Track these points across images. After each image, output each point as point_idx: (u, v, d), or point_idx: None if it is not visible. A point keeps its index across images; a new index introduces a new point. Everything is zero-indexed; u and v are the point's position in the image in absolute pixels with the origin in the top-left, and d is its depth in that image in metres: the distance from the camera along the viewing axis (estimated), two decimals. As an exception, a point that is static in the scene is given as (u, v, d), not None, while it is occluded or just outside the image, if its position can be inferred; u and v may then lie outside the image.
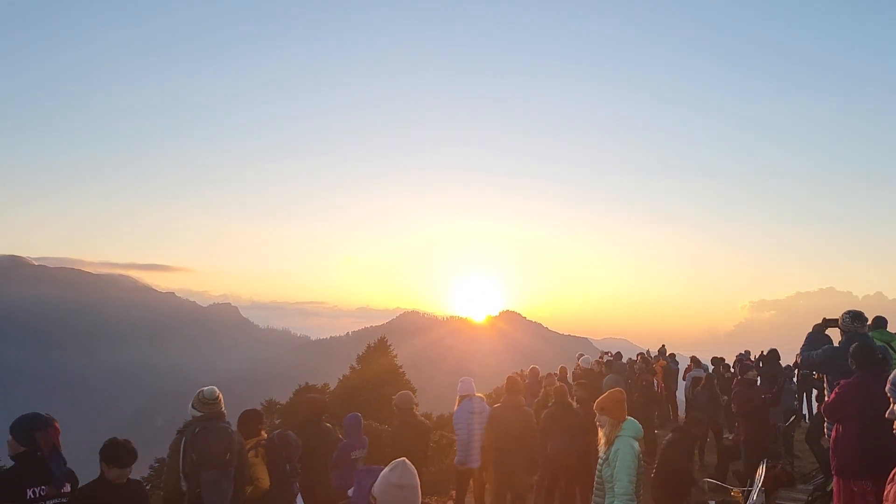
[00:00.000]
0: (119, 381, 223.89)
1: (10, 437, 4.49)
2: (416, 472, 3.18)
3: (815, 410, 15.67)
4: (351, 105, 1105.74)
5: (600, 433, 5.68)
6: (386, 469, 3.17)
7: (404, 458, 3.21)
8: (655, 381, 14.11)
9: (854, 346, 5.88)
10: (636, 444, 5.50)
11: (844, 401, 5.59)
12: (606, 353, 20.18)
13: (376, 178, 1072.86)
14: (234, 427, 6.17)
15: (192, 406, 5.73)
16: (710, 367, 18.01)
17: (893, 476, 2.95)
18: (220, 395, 5.83)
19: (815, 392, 15.54)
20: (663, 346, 20.43)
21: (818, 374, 9.62)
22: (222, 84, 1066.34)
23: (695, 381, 15.77)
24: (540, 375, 14.02)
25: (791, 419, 12.78)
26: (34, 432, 4.45)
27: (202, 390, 5.81)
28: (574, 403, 9.27)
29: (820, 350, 7.05)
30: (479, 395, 9.46)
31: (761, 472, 7.76)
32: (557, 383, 10.78)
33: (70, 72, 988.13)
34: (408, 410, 8.61)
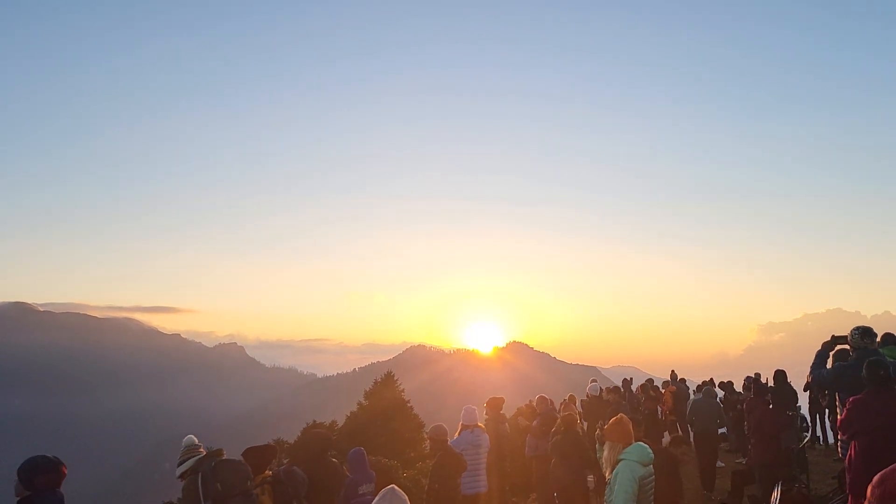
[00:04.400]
0: (126, 425, 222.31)
1: (16, 479, 4.64)
2: (406, 498, 3.20)
3: (828, 431, 15.53)
4: (353, 140, 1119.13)
5: (605, 456, 5.70)
6: (377, 498, 3.19)
7: (393, 486, 3.24)
8: (660, 409, 14.01)
9: (867, 361, 5.88)
10: (639, 468, 5.43)
11: (853, 417, 5.60)
12: (610, 389, 20.15)
13: (378, 212, 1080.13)
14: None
15: (181, 461, 5.88)
16: (721, 393, 17.90)
17: (880, 479, 2.98)
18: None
19: (827, 412, 15.38)
20: (673, 371, 20.28)
21: (824, 399, 9.57)
22: (221, 122, 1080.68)
23: (695, 405, 15.65)
24: (551, 405, 13.97)
25: (804, 440, 12.62)
26: (35, 476, 4.60)
27: (184, 440, 6.10)
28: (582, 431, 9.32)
29: (831, 367, 7.01)
30: (480, 425, 9.54)
31: (776, 495, 7.64)
32: (570, 413, 10.81)
33: (72, 121, 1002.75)
34: (443, 443, 8.60)
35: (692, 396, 16.39)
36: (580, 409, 14.13)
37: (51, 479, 4.64)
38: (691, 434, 15.06)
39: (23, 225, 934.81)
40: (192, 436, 6.13)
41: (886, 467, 5.12)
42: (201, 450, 5.98)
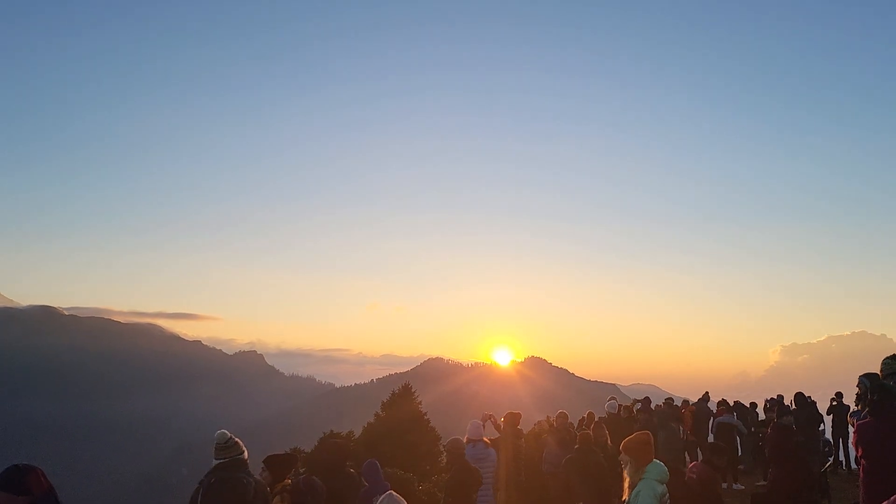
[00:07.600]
0: (146, 430, 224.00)
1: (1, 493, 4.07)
2: (404, 501, 3.24)
3: (851, 456, 15.26)
4: (375, 152, 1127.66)
5: (624, 475, 5.65)
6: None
7: (391, 491, 3.29)
8: (681, 429, 13.74)
9: (872, 385, 6.18)
10: (659, 487, 5.42)
11: (858, 440, 5.93)
12: (636, 400, 19.86)
13: (401, 226, 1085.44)
14: (259, 473, 6.18)
15: (214, 455, 5.68)
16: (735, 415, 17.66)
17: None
18: (237, 440, 5.72)
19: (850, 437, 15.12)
20: (707, 393, 19.83)
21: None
22: (244, 132, 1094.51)
23: (721, 427, 15.42)
24: (568, 421, 13.89)
25: (827, 465, 12.43)
26: (25, 478, 4.11)
27: (215, 436, 5.74)
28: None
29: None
30: (486, 439, 9.62)
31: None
32: (587, 431, 10.81)
33: (101, 130, 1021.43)
34: (460, 455, 8.62)
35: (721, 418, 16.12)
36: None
37: (38, 477, 4.14)
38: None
39: (50, 231, 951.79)
40: (223, 431, 5.71)
41: (888, 488, 5.29)
42: (238, 446, 5.66)
